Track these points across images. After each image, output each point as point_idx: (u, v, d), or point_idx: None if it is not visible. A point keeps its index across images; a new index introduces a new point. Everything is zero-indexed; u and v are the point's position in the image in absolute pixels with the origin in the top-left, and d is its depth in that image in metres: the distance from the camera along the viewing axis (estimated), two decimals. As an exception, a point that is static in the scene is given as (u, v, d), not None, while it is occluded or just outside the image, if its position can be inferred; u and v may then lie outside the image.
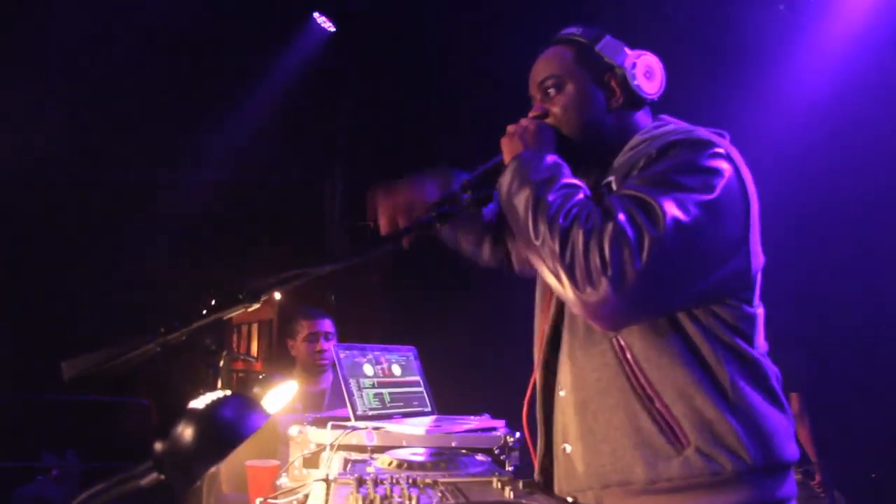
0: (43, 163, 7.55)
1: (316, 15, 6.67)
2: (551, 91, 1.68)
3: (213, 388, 1.19)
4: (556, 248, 1.38)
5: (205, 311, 1.22)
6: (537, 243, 1.42)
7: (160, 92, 6.97)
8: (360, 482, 1.43)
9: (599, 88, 1.68)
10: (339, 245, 7.62)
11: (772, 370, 1.56)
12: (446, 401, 2.53)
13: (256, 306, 1.26)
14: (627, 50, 1.71)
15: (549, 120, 1.67)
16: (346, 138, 7.31)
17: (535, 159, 1.52)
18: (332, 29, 6.76)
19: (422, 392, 2.41)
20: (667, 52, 1.76)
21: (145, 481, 0.89)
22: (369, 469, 1.62)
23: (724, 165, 1.47)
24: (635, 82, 1.66)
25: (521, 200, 1.47)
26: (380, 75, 6.87)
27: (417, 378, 2.43)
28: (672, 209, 1.36)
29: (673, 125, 1.67)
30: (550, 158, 1.53)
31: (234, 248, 8.85)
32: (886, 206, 5.13)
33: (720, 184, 1.44)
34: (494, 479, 1.54)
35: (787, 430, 1.53)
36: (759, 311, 1.58)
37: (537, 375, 1.74)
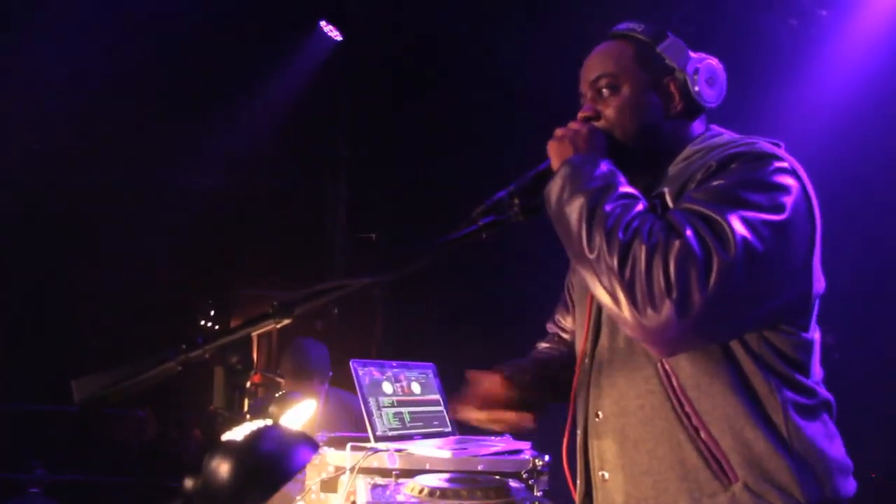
0: (45, 164, 7.46)
1: (322, 24, 6.60)
2: (605, 91, 1.54)
3: (240, 410, 1.07)
4: (615, 263, 1.26)
5: (228, 328, 1.11)
6: (591, 257, 1.30)
7: (162, 96, 6.90)
8: (393, 513, 1.31)
9: (657, 92, 1.54)
10: (343, 255, 7.53)
11: (829, 400, 1.45)
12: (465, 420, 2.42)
13: (287, 322, 1.14)
14: (691, 52, 1.56)
15: (600, 123, 1.53)
16: (350, 147, 7.23)
17: (588, 165, 1.40)
18: (339, 38, 6.69)
19: (442, 411, 2.29)
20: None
21: (173, 523, 0.77)
22: (400, 497, 1.50)
23: (791, 182, 1.37)
24: (696, 88, 1.52)
25: (574, 210, 1.34)
26: (385, 84, 6.81)
27: (437, 396, 2.32)
28: (741, 230, 1.26)
29: (727, 135, 1.55)
30: (605, 165, 1.41)
31: (235, 256, 8.74)
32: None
33: (789, 203, 1.34)
34: (535, 511, 1.43)
35: (844, 464, 1.41)
36: (816, 335, 1.47)
37: (577, 408, 1.62)
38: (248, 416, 1.08)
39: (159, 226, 7.71)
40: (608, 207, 1.32)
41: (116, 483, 6.63)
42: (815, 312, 1.47)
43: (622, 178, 1.39)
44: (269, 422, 0.81)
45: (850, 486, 1.41)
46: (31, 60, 6.18)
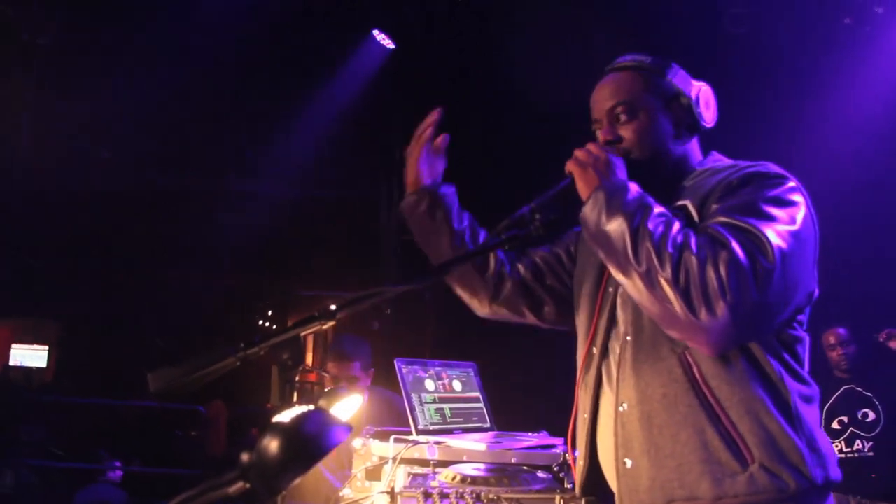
0: (108, 171, 7.81)
1: (375, 32, 6.77)
2: (622, 117, 1.71)
3: (290, 401, 1.23)
4: (669, 273, 1.42)
5: (282, 328, 1.27)
6: (641, 269, 1.45)
7: (225, 106, 7.18)
8: (427, 495, 1.46)
9: (667, 116, 1.73)
10: (395, 258, 7.69)
11: (818, 391, 1.62)
12: (505, 417, 2.55)
13: (331, 324, 1.30)
14: (692, 80, 1.76)
15: (621, 145, 1.71)
16: (402, 151, 7.38)
17: (620, 190, 1.55)
18: (392, 46, 6.86)
19: (481, 408, 2.43)
20: (728, 69, 1.79)
21: (232, 490, 0.93)
22: (434, 483, 1.65)
23: (800, 198, 1.56)
24: (698, 110, 1.73)
25: (616, 229, 1.50)
26: (437, 90, 6.94)
27: (477, 394, 2.46)
28: (776, 240, 1.44)
29: (730, 160, 1.74)
30: (634, 188, 1.57)
31: (294, 260, 9.02)
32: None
33: (801, 215, 1.53)
34: (557, 496, 1.56)
35: (833, 450, 1.57)
36: (807, 334, 1.65)
37: (581, 393, 1.76)
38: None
39: (223, 230, 8.00)
40: (650, 225, 1.48)
41: (184, 476, 6.94)
42: (808, 312, 1.65)
43: (652, 199, 1.56)
44: (312, 407, 0.97)
45: (838, 471, 1.56)
46: (101, 69, 6.48)
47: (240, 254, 8.73)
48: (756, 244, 1.42)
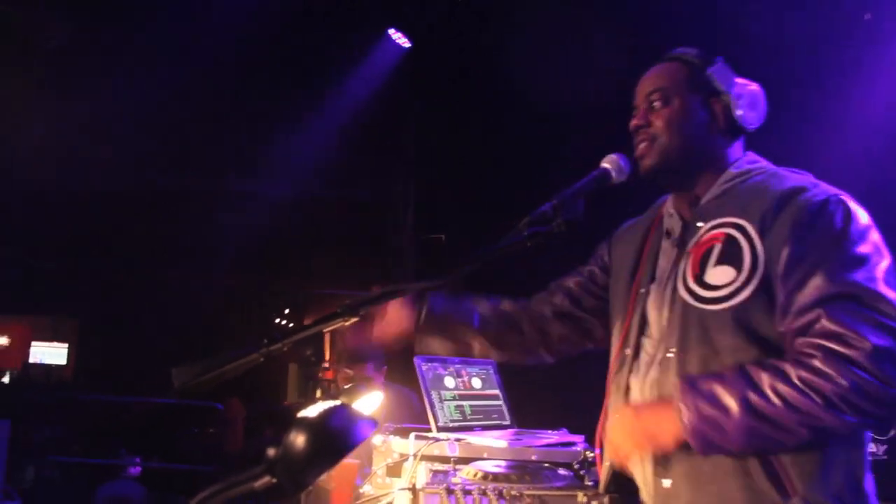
0: (113, 170, 7.85)
1: (391, 31, 6.77)
2: (657, 104, 1.70)
3: (313, 397, 1.24)
4: (828, 416, 1.36)
5: (303, 324, 1.27)
6: (804, 433, 1.40)
7: (232, 105, 7.19)
8: (449, 492, 1.46)
9: (704, 110, 1.70)
10: (410, 257, 7.69)
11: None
12: (524, 415, 2.54)
13: (354, 321, 1.31)
14: (737, 79, 1.71)
15: (649, 129, 1.69)
16: (417, 150, 7.38)
17: (707, 422, 1.44)
18: (407, 45, 6.85)
19: (501, 405, 2.43)
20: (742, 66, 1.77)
21: (258, 484, 0.94)
22: (455, 479, 1.65)
23: (867, 219, 1.53)
24: (738, 112, 1.67)
25: (742, 440, 1.42)
26: (452, 88, 6.94)
27: (497, 391, 2.46)
28: (890, 292, 1.41)
29: (766, 164, 1.70)
30: (705, 386, 1.46)
31: (309, 258, 9.05)
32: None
33: (879, 237, 1.51)
34: (580, 494, 1.55)
35: (874, 488, 1.53)
36: None
37: (612, 392, 1.74)
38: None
39: (237, 231, 8.04)
40: (766, 409, 1.39)
41: (201, 472, 6.99)
42: None
43: (716, 380, 1.46)
44: (338, 402, 0.98)
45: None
46: (102, 69, 6.50)
47: (256, 254, 8.77)
48: (881, 312, 1.39)
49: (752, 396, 1.39)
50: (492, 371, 2.51)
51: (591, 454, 2.08)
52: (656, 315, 1.66)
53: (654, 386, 1.61)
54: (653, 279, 1.71)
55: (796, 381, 1.37)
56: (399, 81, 7.17)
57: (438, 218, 7.43)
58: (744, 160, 1.70)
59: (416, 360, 2.32)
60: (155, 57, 6.27)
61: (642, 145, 1.70)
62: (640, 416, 1.55)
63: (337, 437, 0.94)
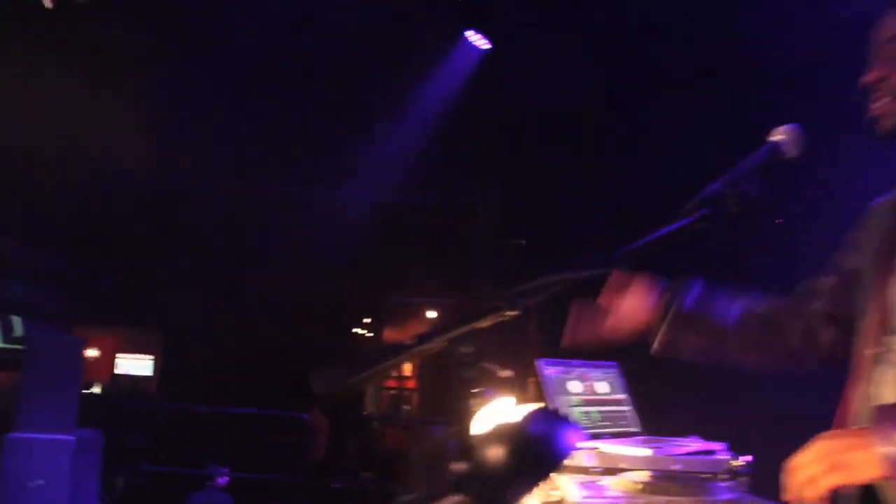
0: (195, 178, 7.94)
1: (470, 33, 6.69)
2: None
3: (467, 400, 1.10)
4: None
5: (459, 320, 1.13)
6: None
7: (314, 112, 7.20)
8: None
9: None
10: (491, 261, 7.57)
11: None
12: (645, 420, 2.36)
13: (515, 314, 1.16)
14: None
15: (891, 84, 1.41)
16: (500, 155, 7.27)
17: None
18: (487, 46, 6.76)
19: (628, 410, 2.25)
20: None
21: (450, 504, 0.80)
22: (611, 493, 1.49)
23: None
24: None
25: None
26: (533, 91, 6.80)
27: (623, 396, 2.28)
28: None
29: None
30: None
31: (389, 266, 9.00)
32: None
33: None
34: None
35: None
36: None
37: (856, 395, 1.49)
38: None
39: (319, 237, 8.04)
40: None
41: (287, 483, 6.99)
42: None
43: None
44: (538, 405, 0.83)
45: None
46: (179, 75, 6.56)
47: (336, 261, 8.76)
48: None
49: None
50: (616, 373, 2.33)
51: (739, 463, 1.90)
52: None
53: None
54: None
55: None
56: (478, 84, 7.09)
57: (521, 222, 7.29)
58: None
59: (538, 363, 2.16)
60: (240, 65, 6.32)
61: (882, 102, 1.42)
62: (835, 441, 1.29)
63: (540, 447, 0.79)
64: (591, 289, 1.67)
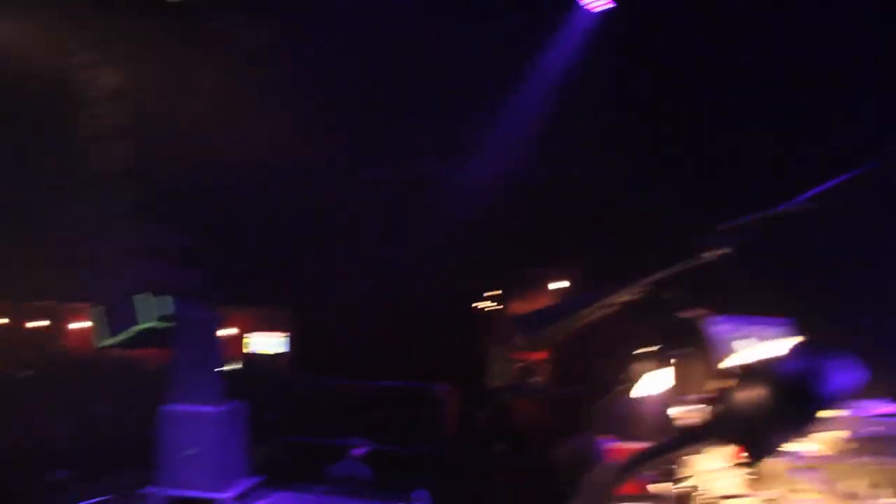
0: (332, 155, 8.08)
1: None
2: None
3: (688, 349, 1.02)
4: None
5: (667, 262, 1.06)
6: None
7: (434, 93, 7.19)
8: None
9: None
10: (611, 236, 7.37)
11: None
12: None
13: (727, 251, 1.07)
14: None
15: None
16: (613, 122, 7.05)
17: None
18: (608, 5, 6.54)
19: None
20: None
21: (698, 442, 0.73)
22: (813, 449, 1.38)
23: None
24: None
25: None
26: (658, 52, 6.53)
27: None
28: None
29: None
30: None
31: (511, 241, 8.93)
32: None
33: None
34: None
35: None
36: None
37: None
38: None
39: (447, 215, 8.06)
40: None
41: (425, 455, 7.07)
42: None
43: None
44: (799, 339, 0.75)
45: None
46: (313, 65, 6.67)
47: (460, 237, 8.76)
48: None
49: None
50: (792, 333, 2.18)
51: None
52: None
53: None
54: None
55: None
56: (595, 50, 6.89)
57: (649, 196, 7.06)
58: None
59: (706, 320, 2.05)
60: (363, 55, 6.39)
61: None
62: None
63: (804, 387, 0.71)
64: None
